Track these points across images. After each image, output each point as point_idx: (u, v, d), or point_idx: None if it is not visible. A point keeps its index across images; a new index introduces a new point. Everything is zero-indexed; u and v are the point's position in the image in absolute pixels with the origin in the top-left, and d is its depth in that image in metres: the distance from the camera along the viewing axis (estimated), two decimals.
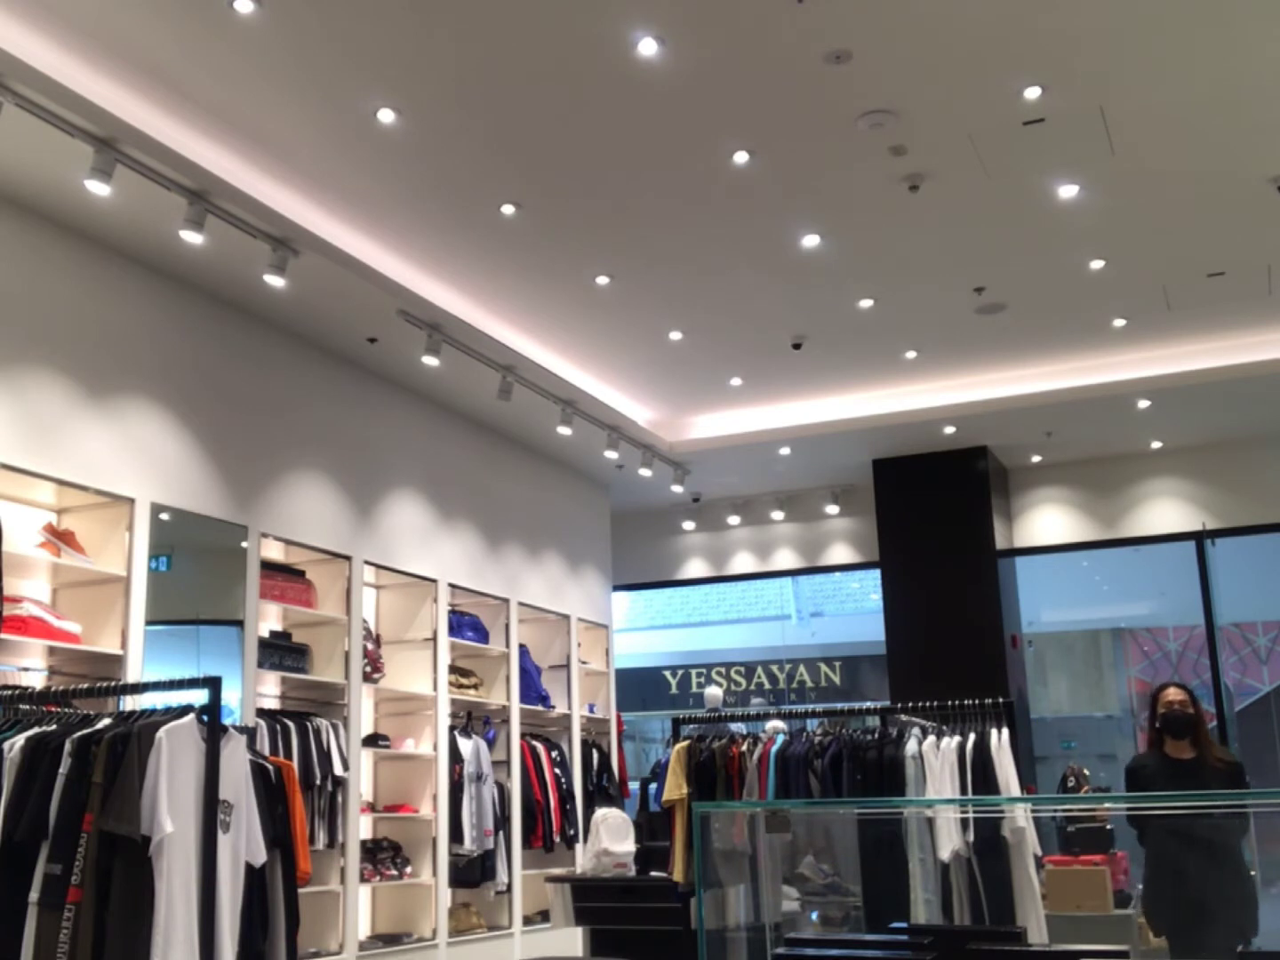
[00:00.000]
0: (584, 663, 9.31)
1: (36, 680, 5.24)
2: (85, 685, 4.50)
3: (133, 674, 5.35)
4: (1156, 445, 9.40)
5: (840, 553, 10.50)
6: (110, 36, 4.54)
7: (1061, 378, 8.26)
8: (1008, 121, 5.21)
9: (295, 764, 5.82)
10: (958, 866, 4.75)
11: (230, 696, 5.94)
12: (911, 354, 7.93)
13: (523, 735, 8.32)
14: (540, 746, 8.45)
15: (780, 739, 5.30)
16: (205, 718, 3.42)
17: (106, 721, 3.50)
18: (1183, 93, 5.07)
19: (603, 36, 4.59)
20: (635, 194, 5.77)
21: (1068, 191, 5.82)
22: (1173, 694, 5.25)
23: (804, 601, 12.83)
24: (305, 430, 6.81)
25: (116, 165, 4.84)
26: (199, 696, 3.47)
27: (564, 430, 8.01)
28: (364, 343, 6.93)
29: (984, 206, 5.97)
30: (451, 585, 7.84)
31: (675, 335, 7.45)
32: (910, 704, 5.49)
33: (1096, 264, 6.65)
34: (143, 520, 5.61)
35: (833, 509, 10.37)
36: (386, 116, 5.05)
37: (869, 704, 9.32)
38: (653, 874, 5.94)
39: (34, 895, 3.28)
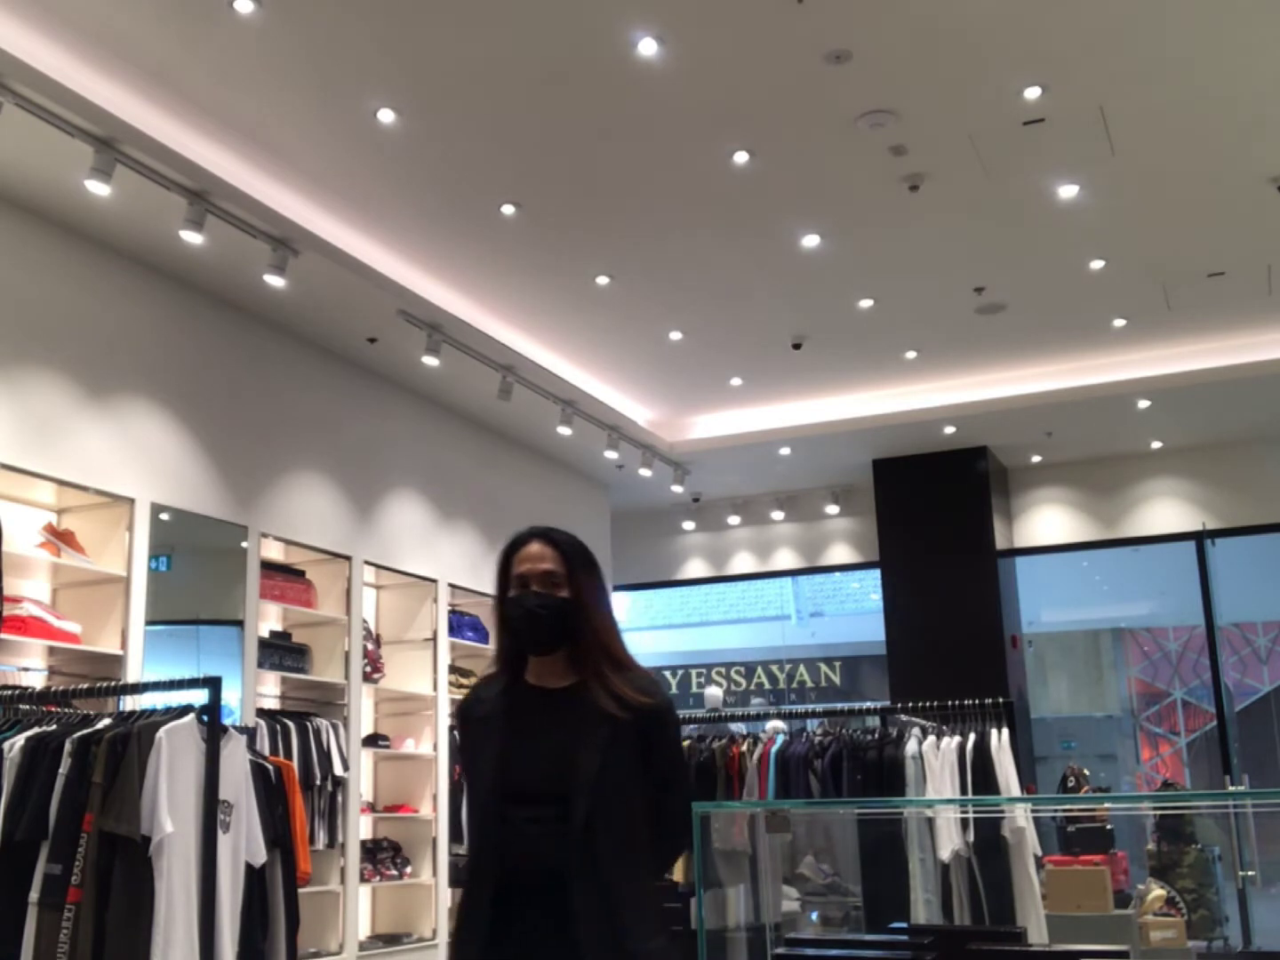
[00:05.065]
0: None
1: (36, 680, 5.24)
2: (85, 685, 4.51)
3: (133, 674, 5.35)
4: (1156, 445, 9.39)
5: (840, 553, 10.49)
6: (110, 37, 4.54)
7: (1061, 378, 8.25)
8: (1008, 121, 5.20)
9: (295, 764, 5.81)
10: (958, 866, 4.75)
11: (230, 696, 5.94)
12: (911, 354, 7.93)
13: None
14: None
15: (780, 739, 5.30)
16: (205, 718, 3.42)
17: (106, 721, 3.50)
18: (1183, 93, 5.07)
19: (603, 36, 4.59)
20: (635, 194, 5.77)
21: (1068, 191, 5.81)
22: (529, 555, 2.48)
23: (804, 601, 12.82)
24: (305, 430, 6.81)
25: (116, 165, 4.84)
26: (199, 696, 3.47)
27: (564, 430, 8.01)
28: (364, 343, 6.92)
29: (984, 206, 5.97)
30: (451, 585, 7.84)
31: (675, 335, 7.45)
32: (910, 704, 5.49)
33: (1096, 264, 6.64)
34: (143, 520, 5.61)
35: (833, 509, 10.36)
36: (386, 116, 5.05)
37: (869, 704, 9.29)
38: None
39: (34, 895, 3.28)
